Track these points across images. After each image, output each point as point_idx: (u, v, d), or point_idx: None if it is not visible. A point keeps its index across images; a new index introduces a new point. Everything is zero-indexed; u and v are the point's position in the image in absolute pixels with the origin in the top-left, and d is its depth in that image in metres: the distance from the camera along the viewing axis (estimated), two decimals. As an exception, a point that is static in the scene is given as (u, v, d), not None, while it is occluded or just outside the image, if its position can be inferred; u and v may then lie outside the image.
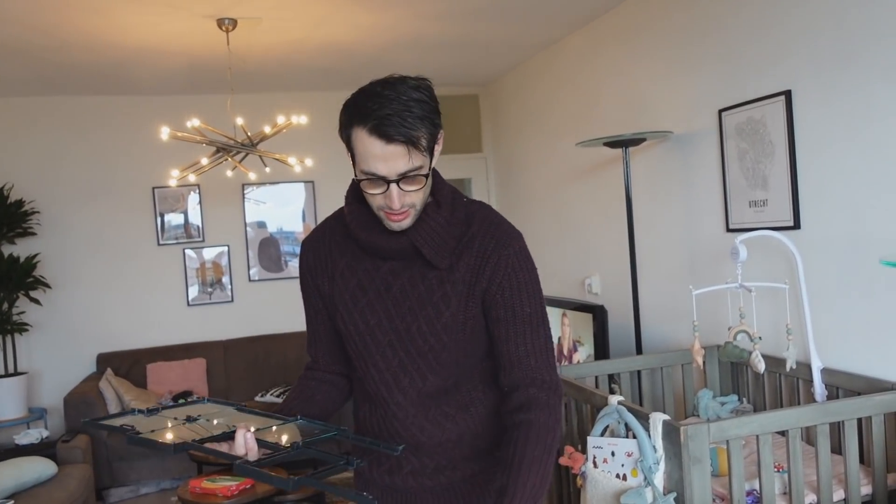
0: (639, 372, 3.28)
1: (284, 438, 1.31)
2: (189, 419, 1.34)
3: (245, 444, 1.23)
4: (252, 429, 1.25)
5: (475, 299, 1.41)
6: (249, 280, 5.72)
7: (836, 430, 2.46)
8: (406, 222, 1.37)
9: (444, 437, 1.46)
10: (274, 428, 1.32)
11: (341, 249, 1.48)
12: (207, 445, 1.23)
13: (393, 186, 1.30)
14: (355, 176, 1.34)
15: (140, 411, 1.37)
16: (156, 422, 1.32)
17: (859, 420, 2.43)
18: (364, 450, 1.52)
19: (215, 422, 1.34)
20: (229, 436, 1.25)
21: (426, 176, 1.32)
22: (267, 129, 4.05)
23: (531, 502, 1.31)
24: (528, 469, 1.33)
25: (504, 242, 1.41)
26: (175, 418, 1.35)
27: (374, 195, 1.34)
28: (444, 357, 1.42)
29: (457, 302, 1.40)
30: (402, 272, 1.42)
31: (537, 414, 1.38)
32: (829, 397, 2.68)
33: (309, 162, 4.59)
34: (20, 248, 5.08)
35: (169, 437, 1.24)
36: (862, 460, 2.49)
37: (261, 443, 1.25)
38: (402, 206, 1.33)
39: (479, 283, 1.40)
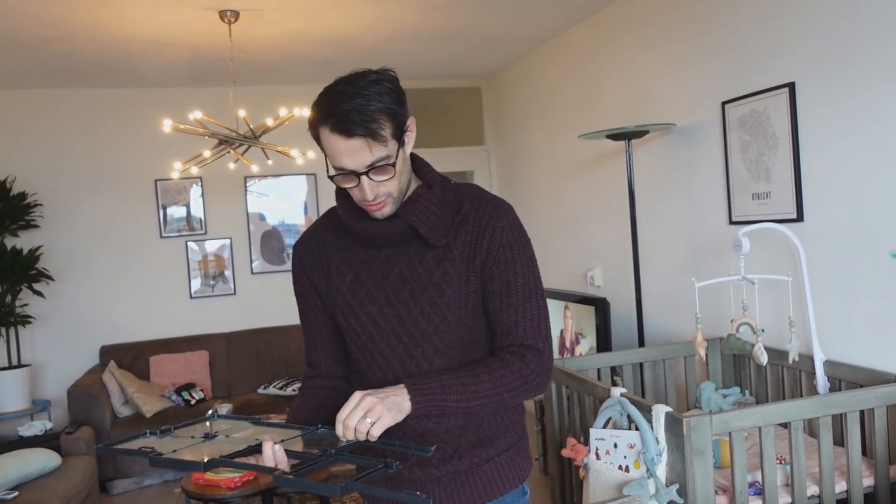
0: (641, 364, 3.29)
1: (311, 448, 1.29)
2: (207, 437, 1.30)
3: (273, 456, 1.22)
4: (278, 440, 1.24)
5: (475, 274, 1.44)
6: (252, 273, 5.73)
7: (839, 422, 2.46)
8: (386, 210, 1.39)
9: (451, 423, 1.46)
10: (297, 438, 1.29)
11: (335, 246, 1.51)
12: (238, 459, 1.20)
13: (363, 179, 1.33)
14: (327, 172, 1.37)
15: (153, 433, 1.34)
16: (175, 442, 1.29)
17: (861, 412, 2.44)
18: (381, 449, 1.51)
19: (235, 436, 1.31)
20: (255, 449, 1.24)
21: (393, 165, 1.34)
22: (269, 122, 4.05)
23: (445, 393, 1.33)
24: (466, 374, 1.37)
25: (497, 215, 1.45)
26: (192, 437, 1.31)
27: (351, 189, 1.37)
28: (449, 336, 1.43)
29: (458, 279, 1.42)
30: (398, 258, 1.44)
31: (508, 358, 1.41)
32: (832, 389, 2.68)
33: (311, 154, 4.59)
34: (23, 241, 5.08)
35: (193, 455, 1.21)
36: (864, 452, 2.50)
37: (289, 453, 1.23)
38: (375, 196, 1.35)
39: (477, 257, 1.43)
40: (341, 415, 1.24)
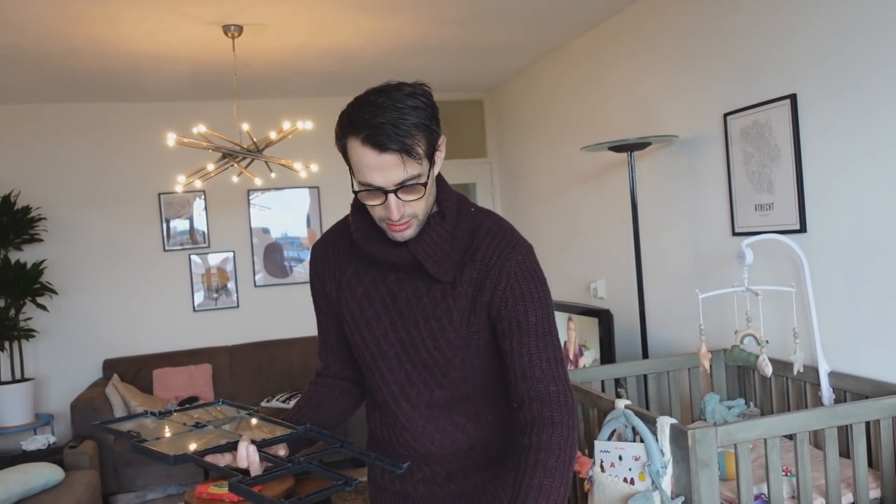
0: (645, 376, 3.28)
1: (286, 451, 1.29)
2: (198, 426, 1.31)
3: (247, 457, 1.19)
4: (252, 441, 1.22)
5: (479, 313, 1.37)
6: (255, 286, 5.73)
7: (844, 433, 2.45)
8: (409, 232, 1.33)
9: (455, 447, 1.45)
10: (280, 437, 1.29)
11: (348, 257, 1.46)
12: (208, 459, 1.19)
13: (391, 197, 1.26)
14: (353, 187, 1.31)
15: (153, 414, 1.36)
16: (164, 427, 1.30)
17: (867, 423, 2.43)
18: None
19: (223, 428, 1.31)
20: (233, 446, 1.21)
21: (424, 185, 1.27)
22: (273, 135, 4.06)
23: None
24: (525, 495, 1.23)
25: (506, 255, 1.37)
26: (184, 424, 1.31)
27: (374, 206, 1.30)
28: (451, 372, 1.40)
29: (459, 317, 1.37)
30: (407, 283, 1.40)
31: (539, 436, 1.29)
32: (837, 401, 2.67)
33: (314, 167, 4.60)
34: (27, 255, 5.10)
35: (175, 444, 1.21)
36: (870, 464, 2.49)
37: (262, 455, 1.22)
38: (401, 216, 1.28)
39: (482, 296, 1.37)
40: None
